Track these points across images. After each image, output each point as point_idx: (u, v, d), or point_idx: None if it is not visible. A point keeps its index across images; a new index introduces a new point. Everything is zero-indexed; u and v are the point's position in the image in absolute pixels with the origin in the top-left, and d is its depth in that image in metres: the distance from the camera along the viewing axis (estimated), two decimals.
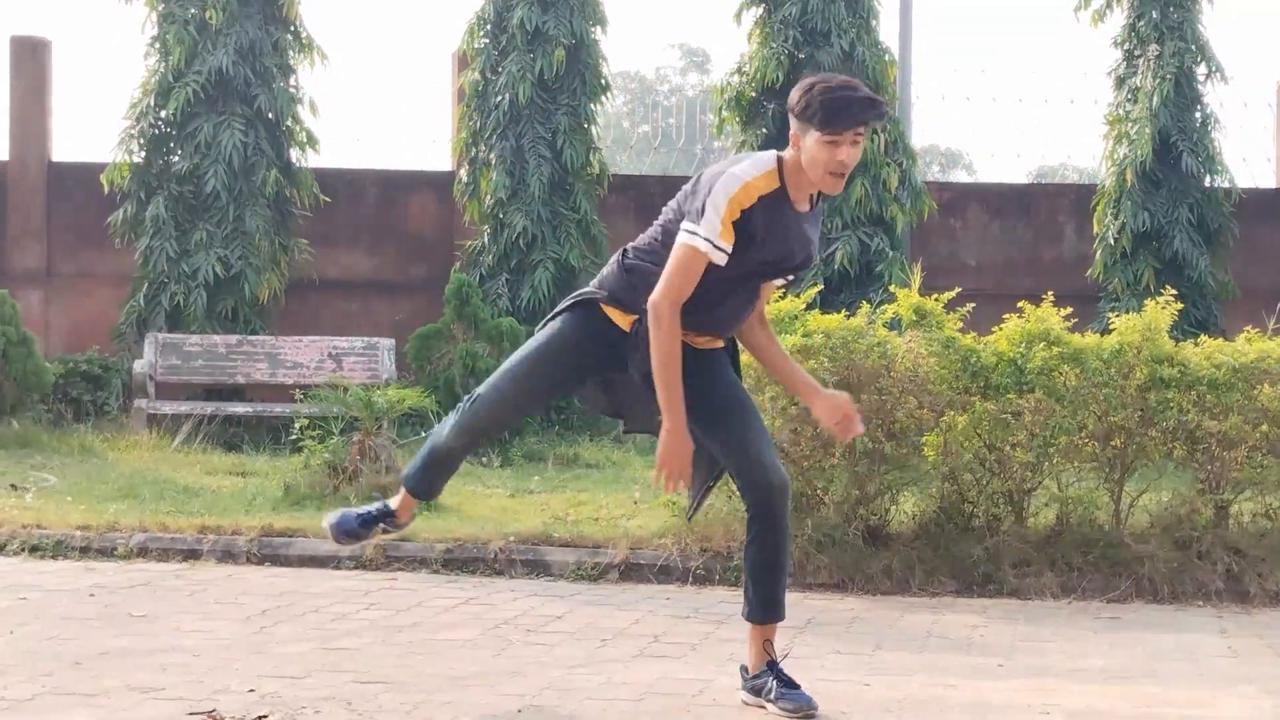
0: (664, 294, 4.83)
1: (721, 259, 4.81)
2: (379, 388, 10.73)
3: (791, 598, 7.41)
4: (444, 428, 5.32)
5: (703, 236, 4.78)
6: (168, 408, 13.89)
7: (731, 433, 5.07)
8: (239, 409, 14.08)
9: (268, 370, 14.38)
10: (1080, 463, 8.10)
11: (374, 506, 5.58)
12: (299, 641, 6.13)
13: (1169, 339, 8.09)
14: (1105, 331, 8.45)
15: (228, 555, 8.22)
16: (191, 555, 8.23)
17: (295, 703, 5.10)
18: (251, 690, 5.25)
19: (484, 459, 12.40)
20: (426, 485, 5.52)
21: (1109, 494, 8.14)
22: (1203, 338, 8.32)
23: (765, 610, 5.19)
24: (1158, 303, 8.15)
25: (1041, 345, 7.94)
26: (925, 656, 6.15)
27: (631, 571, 7.95)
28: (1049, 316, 8.10)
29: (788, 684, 5.13)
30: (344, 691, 5.27)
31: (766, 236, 4.85)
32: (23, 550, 8.28)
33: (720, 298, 4.97)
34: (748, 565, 5.19)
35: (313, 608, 6.88)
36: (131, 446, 12.78)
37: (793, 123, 4.84)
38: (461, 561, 8.10)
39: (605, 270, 5.16)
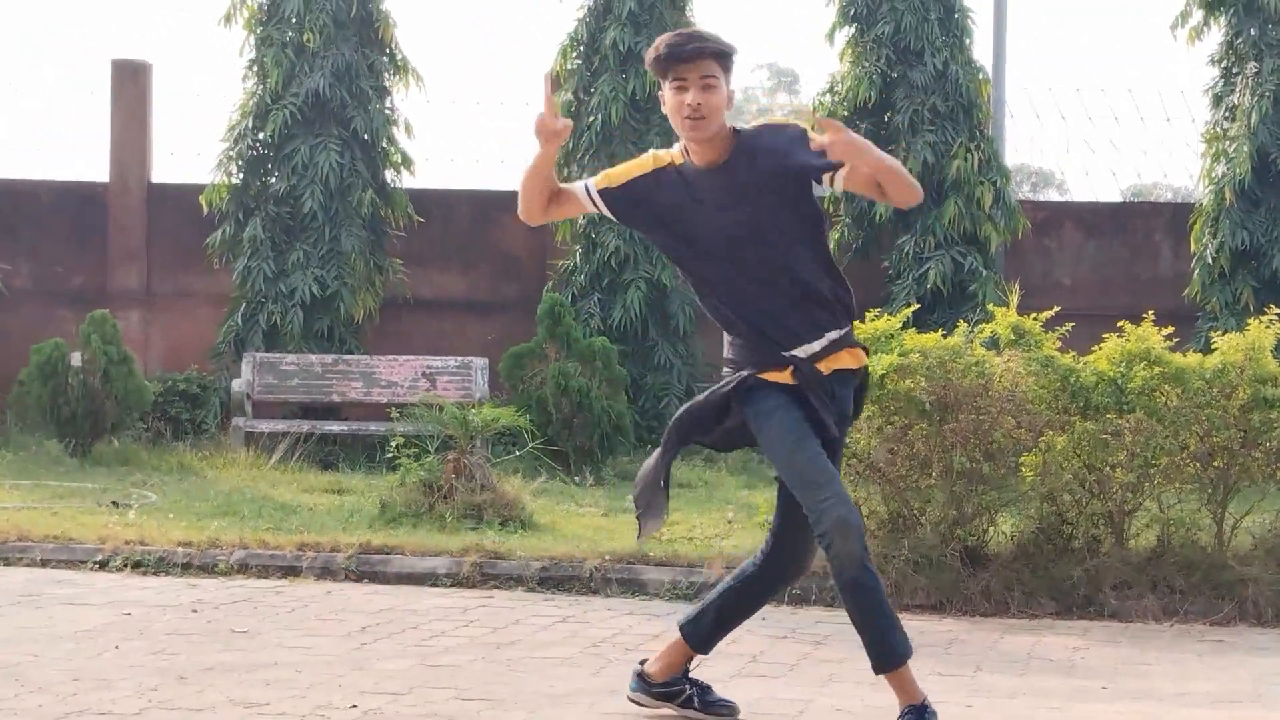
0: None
1: (586, 201, 4.97)
2: (473, 406, 10.80)
3: None
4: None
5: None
6: (265, 426, 14.04)
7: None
8: (335, 427, 14.21)
9: (363, 389, 14.50)
10: (1182, 484, 8.00)
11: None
12: (399, 658, 6.17)
13: (1272, 359, 7.98)
14: (1205, 351, 8.35)
15: (326, 572, 8.30)
16: (291, 572, 8.31)
17: (398, 719, 5.14)
18: (354, 706, 5.29)
19: (577, 478, 12.43)
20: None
21: (1211, 515, 8.03)
22: None
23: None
24: (1261, 322, 8.04)
25: (1142, 365, 7.86)
26: (1027, 679, 6.10)
27: None
28: (1150, 336, 8.01)
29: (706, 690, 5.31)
30: (446, 709, 5.31)
31: (678, 210, 4.88)
32: (126, 566, 8.40)
33: (731, 289, 4.93)
34: (735, 598, 5.26)
35: (412, 624, 6.93)
36: (229, 464, 12.93)
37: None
38: (557, 580, 8.13)
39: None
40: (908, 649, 4.86)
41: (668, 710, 5.26)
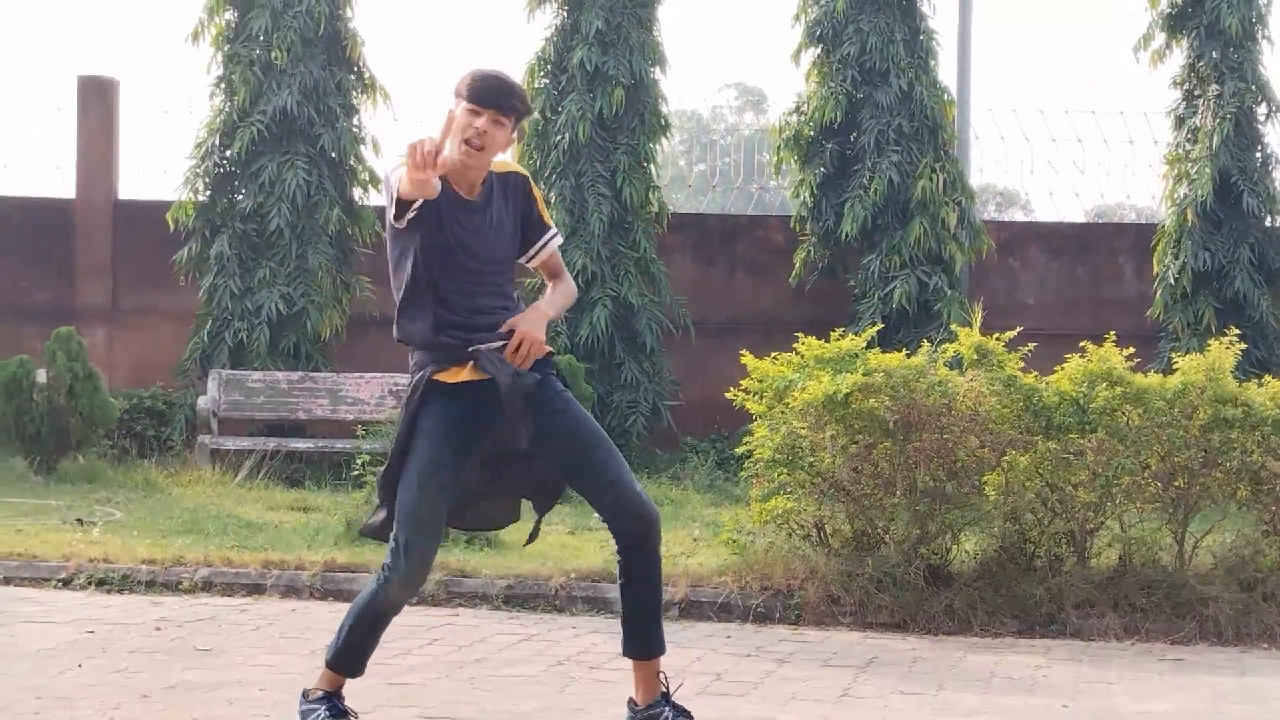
0: None
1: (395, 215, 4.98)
2: None
3: (852, 637, 7.45)
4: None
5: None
6: (231, 443, 14.01)
7: (597, 472, 5.09)
8: (301, 445, 14.19)
9: (329, 406, 14.48)
10: (1143, 503, 8.07)
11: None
12: (364, 677, 6.16)
13: (1233, 379, 8.06)
14: (1167, 371, 8.42)
15: (291, 590, 8.29)
16: (256, 590, 8.30)
17: None
18: None
19: None
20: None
21: (1172, 535, 8.10)
22: (1267, 378, 8.29)
23: (655, 645, 5.20)
24: (1222, 343, 8.12)
25: (1104, 385, 7.93)
26: (989, 697, 6.14)
27: (692, 609, 7.97)
28: (1111, 356, 8.08)
29: (681, 712, 5.16)
30: None
31: (433, 225, 4.97)
32: (90, 584, 8.37)
33: (461, 289, 5.01)
34: (629, 602, 5.19)
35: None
36: (195, 481, 12.90)
37: (453, 104, 5.02)
38: (522, 598, 8.14)
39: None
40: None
41: None
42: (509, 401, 4.94)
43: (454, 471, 5.02)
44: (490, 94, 4.99)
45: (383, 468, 5.15)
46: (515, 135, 5.11)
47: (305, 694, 5.25)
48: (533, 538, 5.53)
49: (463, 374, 5.00)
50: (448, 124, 4.98)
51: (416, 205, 4.90)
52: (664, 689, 5.21)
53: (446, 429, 4.99)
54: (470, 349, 4.98)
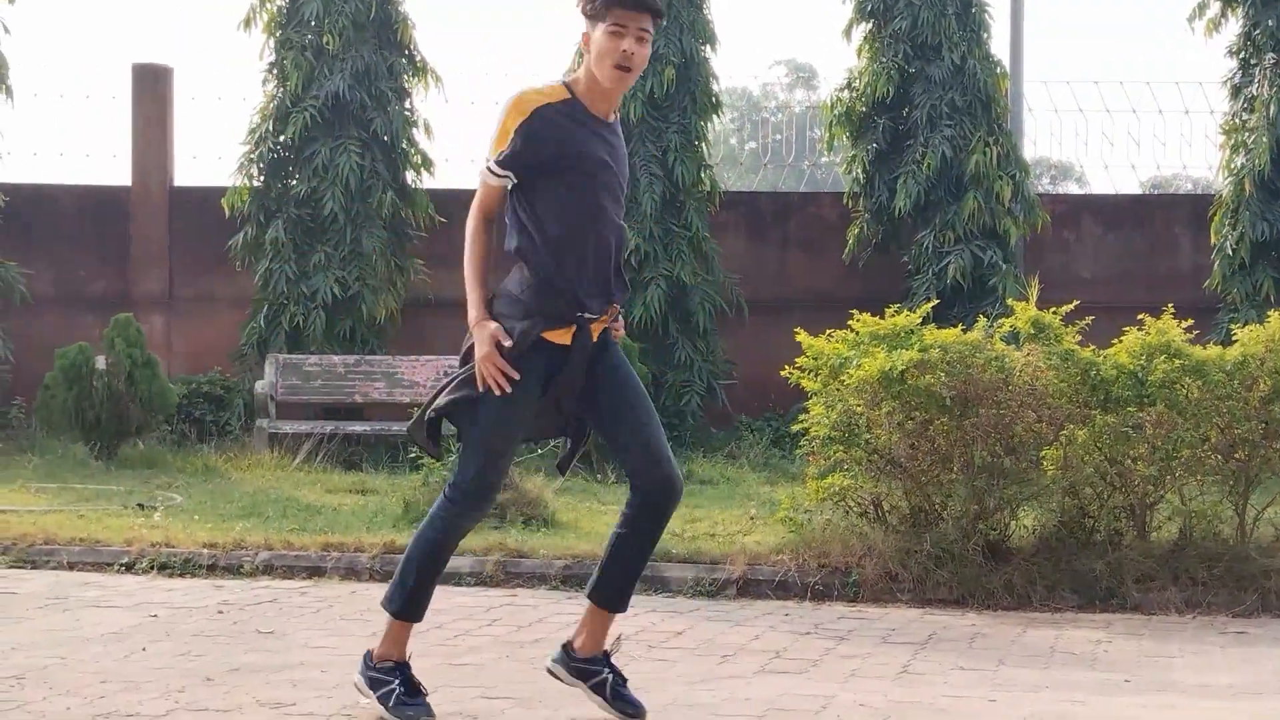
0: (471, 208, 5.06)
1: (497, 182, 4.96)
2: None
3: (911, 614, 7.44)
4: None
5: (485, 164, 4.97)
6: (288, 427, 14.10)
7: (636, 430, 5.06)
8: (358, 428, 14.27)
9: (385, 389, 14.55)
10: (1203, 476, 8.01)
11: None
12: (424, 657, 6.20)
13: None
14: (1225, 343, 8.35)
15: (351, 572, 8.34)
16: (316, 572, 8.36)
17: None
18: None
19: (600, 476, 12.47)
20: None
21: (1233, 507, 8.04)
22: None
23: (623, 601, 5.22)
24: None
25: (1162, 358, 7.87)
26: (1050, 672, 6.11)
27: (749, 587, 7.97)
28: (1170, 329, 8.02)
29: (622, 680, 5.18)
30: (471, 707, 5.35)
31: (560, 144, 4.92)
32: (152, 568, 8.45)
33: (575, 229, 4.96)
34: (619, 552, 5.17)
35: (436, 624, 6.96)
36: (254, 466, 13.00)
37: (586, 26, 4.97)
38: (580, 578, 8.14)
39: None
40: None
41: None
42: (581, 364, 4.98)
43: (528, 413, 5.02)
44: (631, 6, 4.87)
45: (454, 389, 5.05)
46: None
47: (369, 660, 5.21)
48: (563, 468, 5.41)
49: (567, 336, 4.99)
50: (584, 47, 4.95)
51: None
52: (605, 650, 5.20)
53: (535, 380, 4.98)
54: (580, 314, 4.98)
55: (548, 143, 4.91)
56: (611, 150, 5.05)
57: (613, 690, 5.16)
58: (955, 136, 15.41)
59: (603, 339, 5.09)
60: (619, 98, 5.10)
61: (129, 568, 8.48)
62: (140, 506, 10.38)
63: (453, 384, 5.09)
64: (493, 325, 4.97)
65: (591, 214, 4.98)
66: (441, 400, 5.08)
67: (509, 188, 5.01)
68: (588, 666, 5.19)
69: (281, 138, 15.45)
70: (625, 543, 5.17)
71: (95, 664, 6.01)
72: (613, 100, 5.06)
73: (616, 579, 5.21)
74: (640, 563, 5.22)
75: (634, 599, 7.71)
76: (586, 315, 4.99)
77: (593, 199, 4.97)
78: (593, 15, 4.94)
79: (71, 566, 8.54)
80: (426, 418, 5.14)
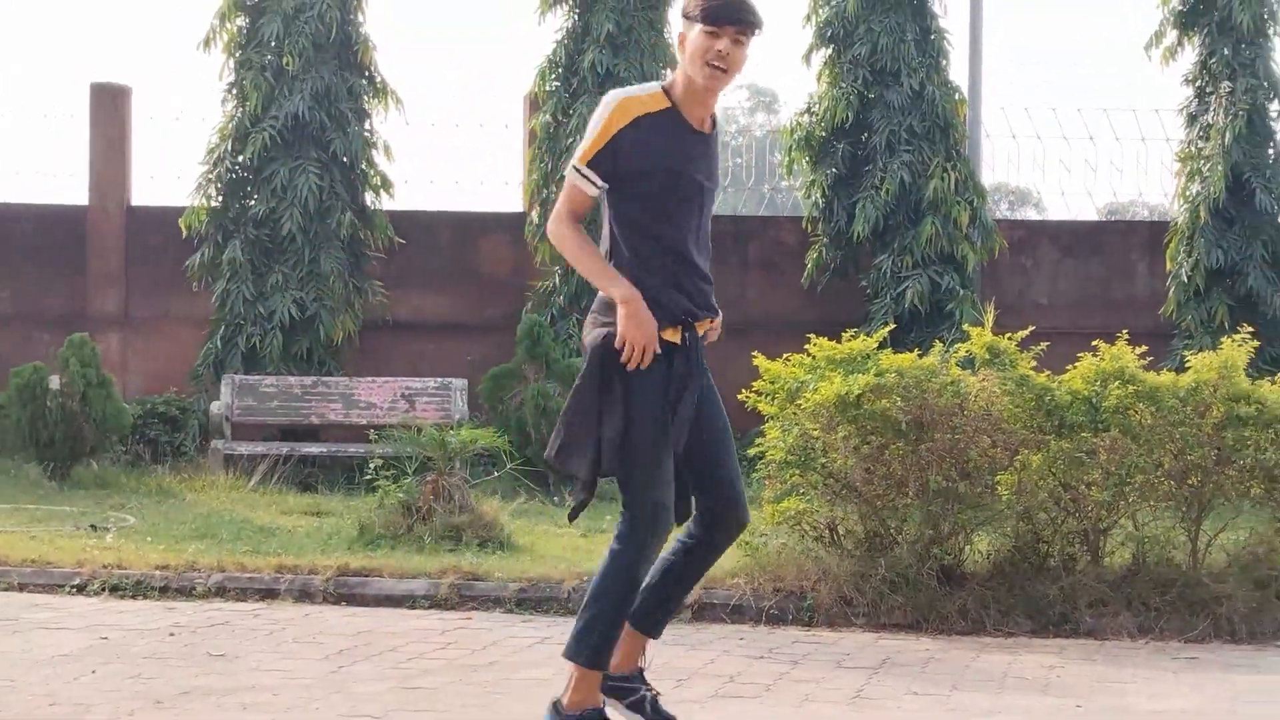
0: (553, 216, 4.96)
1: (588, 188, 4.89)
2: (452, 428, 10.81)
3: (865, 638, 7.44)
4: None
5: (573, 164, 4.91)
6: (244, 448, 14.04)
7: (719, 463, 5.02)
8: (314, 449, 14.22)
9: (342, 411, 14.51)
10: (1156, 501, 8.05)
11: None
12: (377, 680, 6.18)
13: (1245, 377, 8.04)
14: (1180, 369, 8.41)
15: (304, 595, 8.29)
16: (269, 594, 8.31)
17: None
18: None
19: (556, 498, 12.45)
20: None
21: (1186, 533, 8.08)
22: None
23: (659, 627, 5.18)
24: (1234, 340, 8.10)
25: (1116, 384, 7.91)
26: (1003, 698, 6.13)
27: (704, 611, 7.96)
28: (1124, 355, 8.06)
29: (655, 694, 5.13)
30: None
31: (658, 151, 4.86)
32: (104, 590, 8.39)
33: (673, 234, 4.91)
34: (667, 581, 5.09)
35: (390, 647, 6.94)
36: (208, 487, 12.93)
37: (683, 26, 4.92)
38: (535, 601, 8.14)
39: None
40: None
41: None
42: (697, 361, 4.92)
43: (664, 413, 4.87)
44: (726, 10, 4.82)
45: (593, 446, 4.87)
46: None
47: (560, 709, 5.03)
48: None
49: (676, 335, 4.92)
50: (681, 48, 4.89)
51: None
52: (641, 666, 5.16)
53: (662, 385, 4.86)
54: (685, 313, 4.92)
55: (647, 153, 4.86)
56: (707, 163, 5.00)
57: (653, 705, 5.08)
58: (914, 162, 15.49)
59: (700, 363, 4.98)
60: (714, 103, 4.99)
61: (80, 589, 8.41)
62: (93, 528, 10.30)
63: (594, 424, 4.88)
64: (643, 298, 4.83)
65: (683, 226, 4.92)
66: (606, 454, 4.86)
67: (598, 192, 4.93)
68: (626, 685, 5.13)
69: (240, 158, 15.40)
70: (677, 572, 5.11)
71: (45, 686, 5.96)
72: (708, 105, 4.96)
73: (658, 606, 5.12)
74: (684, 593, 5.20)
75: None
76: (692, 317, 4.94)
77: (686, 211, 4.93)
78: (691, 16, 4.89)
79: (22, 588, 8.46)
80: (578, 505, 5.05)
